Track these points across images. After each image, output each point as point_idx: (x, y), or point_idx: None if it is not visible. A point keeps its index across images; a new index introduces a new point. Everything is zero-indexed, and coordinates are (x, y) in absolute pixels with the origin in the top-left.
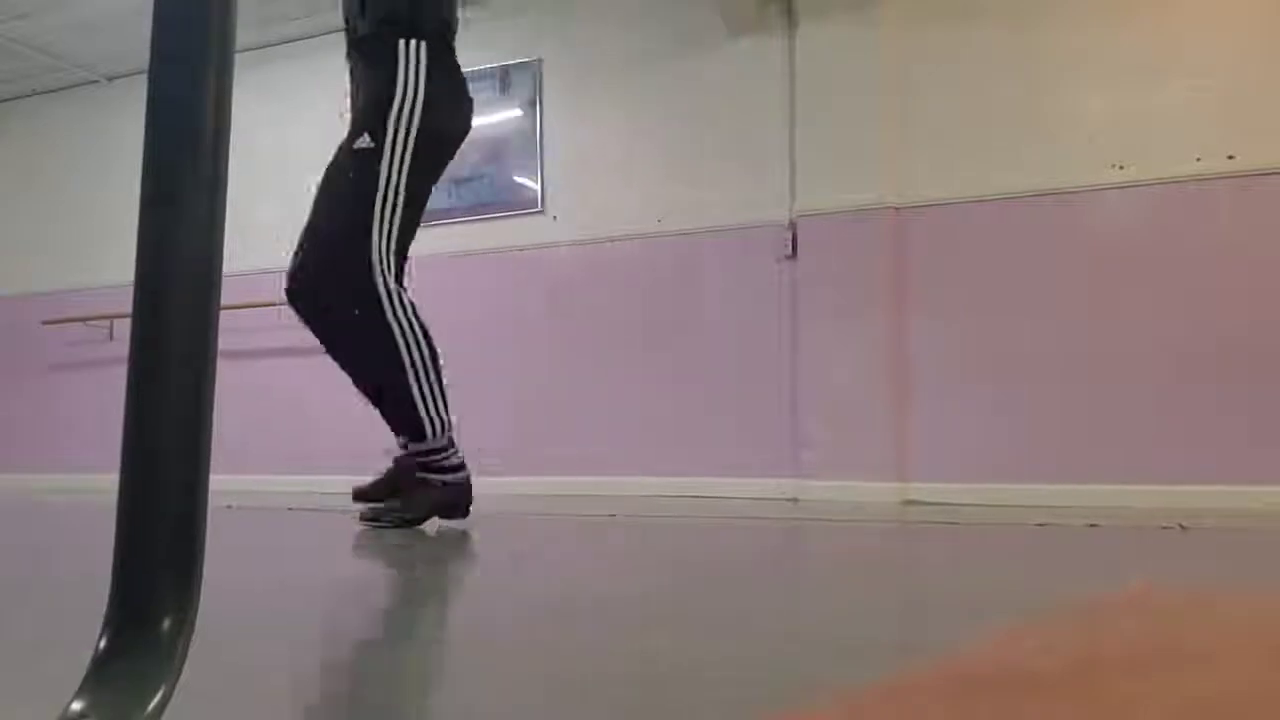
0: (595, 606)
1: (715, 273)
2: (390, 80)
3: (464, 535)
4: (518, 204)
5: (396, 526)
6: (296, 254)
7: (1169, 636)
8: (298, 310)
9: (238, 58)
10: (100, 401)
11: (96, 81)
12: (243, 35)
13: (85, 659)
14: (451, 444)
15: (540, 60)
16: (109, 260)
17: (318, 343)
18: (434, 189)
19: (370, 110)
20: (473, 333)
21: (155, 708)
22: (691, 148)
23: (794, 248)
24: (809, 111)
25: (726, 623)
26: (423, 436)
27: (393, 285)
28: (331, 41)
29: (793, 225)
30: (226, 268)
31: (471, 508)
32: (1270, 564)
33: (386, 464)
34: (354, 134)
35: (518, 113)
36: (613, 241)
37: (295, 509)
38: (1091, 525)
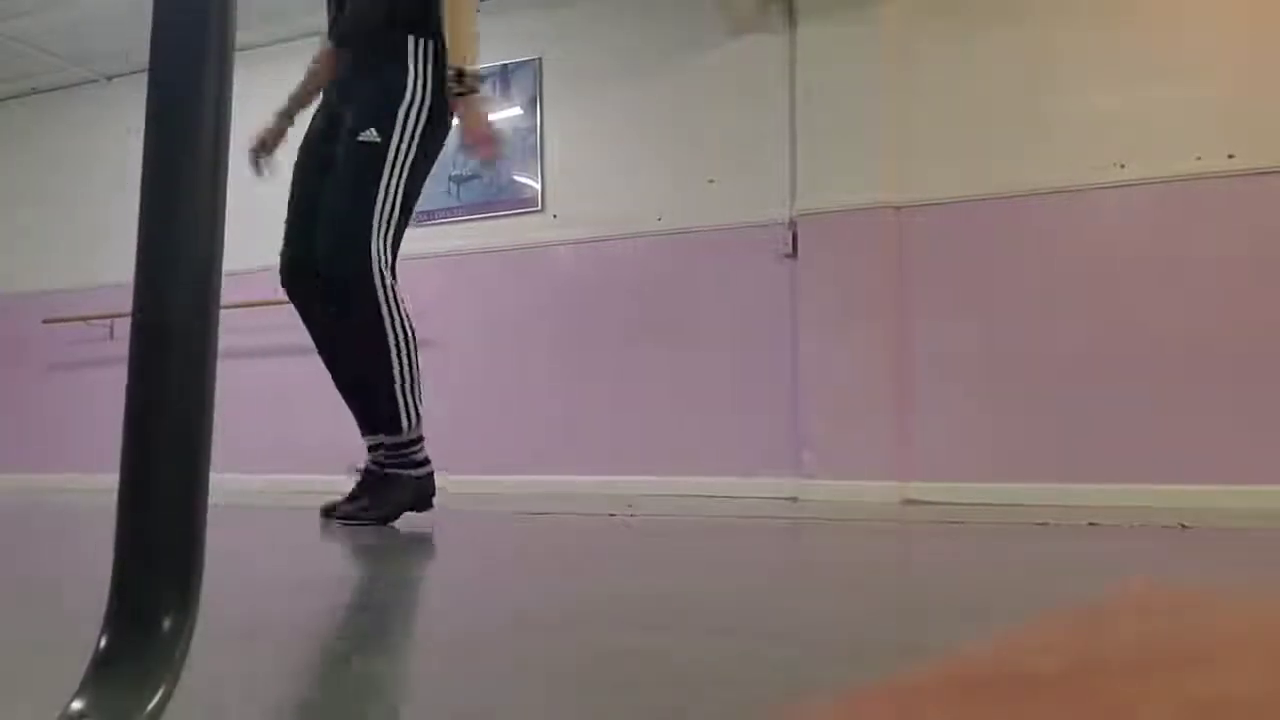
0: (593, 606)
1: (715, 272)
2: (400, 76)
3: (456, 535)
4: (518, 203)
5: (372, 524)
6: (289, 242)
7: (1169, 636)
8: (296, 297)
9: (238, 55)
10: (100, 401)
11: (96, 81)
12: (244, 34)
13: (85, 659)
14: (421, 438)
15: (540, 59)
16: (109, 260)
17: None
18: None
19: (378, 104)
20: (473, 332)
21: (155, 708)
22: (691, 147)
23: (794, 247)
24: (809, 111)
25: (726, 623)
26: (399, 429)
27: (389, 278)
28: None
29: (793, 225)
30: None
31: (435, 502)
32: (1270, 564)
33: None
34: (356, 126)
35: (518, 112)
36: (613, 241)
37: (291, 507)
38: (1091, 525)
